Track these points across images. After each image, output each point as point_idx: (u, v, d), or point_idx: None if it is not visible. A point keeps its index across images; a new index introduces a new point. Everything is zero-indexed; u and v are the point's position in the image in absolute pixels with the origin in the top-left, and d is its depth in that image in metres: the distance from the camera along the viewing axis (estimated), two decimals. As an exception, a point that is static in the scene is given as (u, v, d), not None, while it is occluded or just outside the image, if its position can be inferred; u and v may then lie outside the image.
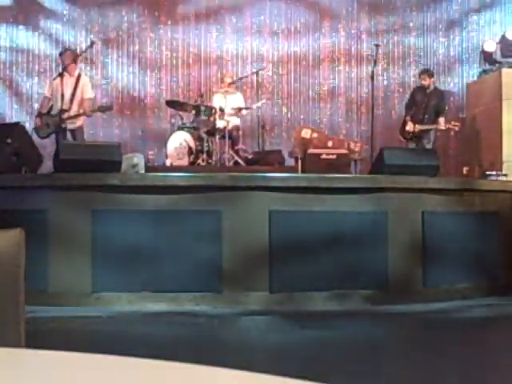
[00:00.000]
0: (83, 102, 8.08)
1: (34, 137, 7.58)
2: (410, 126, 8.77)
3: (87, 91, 8.17)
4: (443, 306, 5.57)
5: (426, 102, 8.83)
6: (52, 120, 7.78)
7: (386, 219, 5.68)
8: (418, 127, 8.74)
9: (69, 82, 7.95)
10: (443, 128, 8.88)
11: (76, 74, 8.10)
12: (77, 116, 8.02)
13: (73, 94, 7.97)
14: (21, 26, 10.39)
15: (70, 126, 7.97)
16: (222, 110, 8.49)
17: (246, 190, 5.52)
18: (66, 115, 7.87)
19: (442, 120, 8.83)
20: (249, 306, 5.34)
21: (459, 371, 3.55)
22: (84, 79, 8.21)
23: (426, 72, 9.13)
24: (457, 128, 8.87)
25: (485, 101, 9.39)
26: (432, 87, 8.94)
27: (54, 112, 7.87)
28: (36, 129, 7.91)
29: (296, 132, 8.88)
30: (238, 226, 5.48)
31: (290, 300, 5.46)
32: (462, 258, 5.89)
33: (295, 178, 5.94)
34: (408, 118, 8.87)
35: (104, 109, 8.47)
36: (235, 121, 8.81)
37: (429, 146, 8.77)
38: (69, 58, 8.06)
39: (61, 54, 8.33)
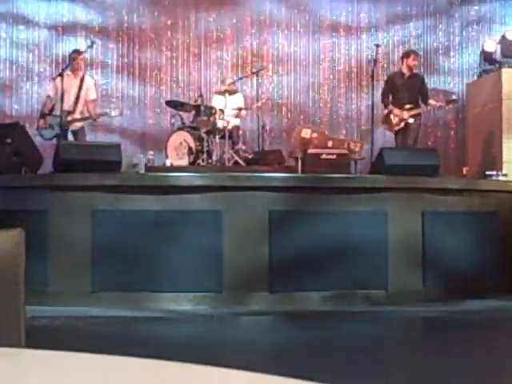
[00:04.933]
0: (87, 104, 8.09)
1: (35, 137, 7.58)
2: (398, 114, 8.31)
3: (91, 93, 8.18)
4: (443, 305, 5.57)
5: (406, 87, 8.41)
6: (56, 121, 7.77)
7: (385, 219, 5.68)
8: (408, 114, 8.31)
9: (73, 83, 7.95)
10: (440, 105, 8.59)
11: (81, 75, 8.10)
12: (82, 119, 8.03)
13: (77, 96, 7.97)
14: (21, 26, 10.39)
15: (72, 127, 7.98)
16: (222, 110, 8.50)
17: (246, 190, 5.52)
18: (70, 117, 7.88)
19: (431, 101, 8.54)
20: (249, 306, 5.34)
21: (460, 371, 3.55)
22: (89, 81, 8.21)
23: (416, 52, 8.90)
24: (443, 105, 8.73)
25: (485, 101, 9.39)
26: (410, 72, 8.55)
27: (56, 112, 7.86)
28: (39, 129, 7.92)
29: (296, 132, 8.87)
30: (237, 226, 5.47)
31: (290, 300, 5.46)
32: (462, 257, 5.89)
33: (295, 178, 5.94)
34: (391, 107, 8.40)
35: (112, 115, 8.47)
36: (235, 121, 8.82)
37: (413, 136, 8.42)
38: (73, 57, 8.06)
39: (71, 55, 8.30)
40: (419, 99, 8.50)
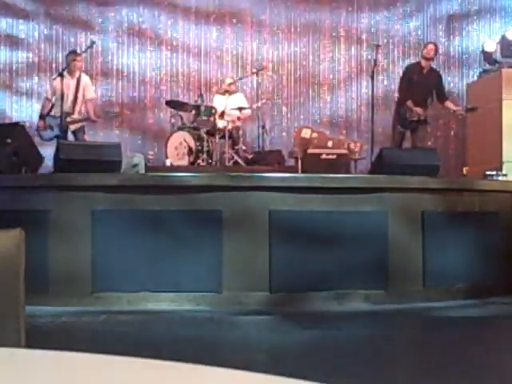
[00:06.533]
0: (86, 103, 8.09)
1: (35, 137, 7.59)
2: (419, 112, 8.08)
3: (89, 92, 8.18)
4: (443, 305, 5.57)
5: (424, 84, 8.18)
6: (55, 122, 7.78)
7: (386, 219, 5.67)
8: (424, 113, 8.12)
9: (70, 83, 7.95)
10: (459, 111, 8.39)
11: (77, 75, 8.10)
12: (81, 120, 8.03)
13: (75, 96, 7.97)
14: (21, 26, 10.39)
15: (71, 128, 7.98)
16: (222, 112, 8.53)
17: (246, 190, 5.52)
18: (70, 119, 7.88)
19: (449, 103, 8.39)
20: (249, 306, 5.34)
21: (459, 371, 3.55)
22: (85, 80, 8.21)
23: (434, 43, 8.70)
24: (463, 113, 8.51)
25: (485, 101, 9.39)
26: (429, 66, 8.42)
27: (55, 113, 7.86)
28: (39, 131, 7.92)
29: (296, 132, 8.88)
30: (237, 226, 5.47)
31: (290, 300, 5.46)
32: (462, 257, 5.89)
33: (295, 178, 5.94)
34: (410, 102, 8.12)
35: (110, 115, 8.49)
36: (235, 121, 8.82)
37: (423, 136, 8.34)
38: (72, 58, 8.05)
39: (67, 56, 8.32)
40: (433, 97, 8.35)
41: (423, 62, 8.40)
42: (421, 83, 8.20)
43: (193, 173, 6.40)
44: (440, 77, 8.62)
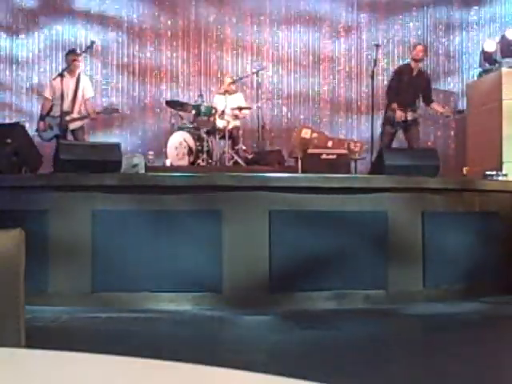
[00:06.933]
0: (85, 102, 8.11)
1: (34, 137, 7.59)
2: (400, 115, 8.13)
3: (88, 91, 8.20)
4: (443, 305, 5.57)
5: (413, 86, 8.18)
6: (55, 122, 7.79)
7: (386, 219, 5.68)
8: (411, 115, 8.18)
9: (70, 82, 7.97)
10: (443, 111, 8.43)
11: (77, 74, 8.12)
12: (81, 118, 8.04)
13: (74, 95, 7.99)
14: (21, 25, 10.39)
15: (71, 127, 7.99)
16: (222, 112, 8.53)
17: (246, 189, 5.52)
18: (69, 117, 7.88)
19: (436, 105, 8.47)
20: (249, 306, 5.34)
21: (459, 371, 3.55)
22: (84, 79, 8.24)
23: (423, 44, 8.65)
24: (450, 115, 8.59)
25: (485, 101, 9.39)
26: (418, 68, 8.38)
27: (54, 112, 7.88)
28: (39, 131, 7.93)
29: (296, 132, 8.87)
30: (237, 226, 5.48)
31: (290, 300, 5.46)
32: (462, 257, 5.89)
33: (295, 178, 5.94)
34: (395, 104, 8.16)
35: (109, 111, 8.50)
36: (235, 121, 8.82)
37: (416, 137, 8.36)
38: (72, 58, 8.06)
39: (67, 55, 8.34)
40: (421, 99, 8.40)
41: (413, 64, 8.40)
42: (411, 85, 8.21)
43: (193, 173, 6.40)
44: (429, 79, 8.63)
